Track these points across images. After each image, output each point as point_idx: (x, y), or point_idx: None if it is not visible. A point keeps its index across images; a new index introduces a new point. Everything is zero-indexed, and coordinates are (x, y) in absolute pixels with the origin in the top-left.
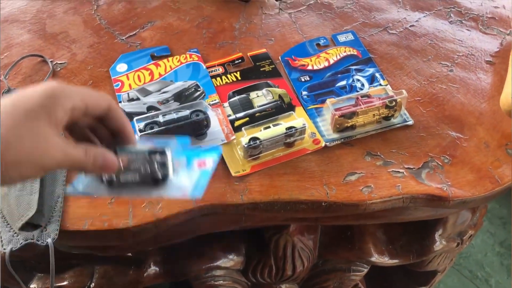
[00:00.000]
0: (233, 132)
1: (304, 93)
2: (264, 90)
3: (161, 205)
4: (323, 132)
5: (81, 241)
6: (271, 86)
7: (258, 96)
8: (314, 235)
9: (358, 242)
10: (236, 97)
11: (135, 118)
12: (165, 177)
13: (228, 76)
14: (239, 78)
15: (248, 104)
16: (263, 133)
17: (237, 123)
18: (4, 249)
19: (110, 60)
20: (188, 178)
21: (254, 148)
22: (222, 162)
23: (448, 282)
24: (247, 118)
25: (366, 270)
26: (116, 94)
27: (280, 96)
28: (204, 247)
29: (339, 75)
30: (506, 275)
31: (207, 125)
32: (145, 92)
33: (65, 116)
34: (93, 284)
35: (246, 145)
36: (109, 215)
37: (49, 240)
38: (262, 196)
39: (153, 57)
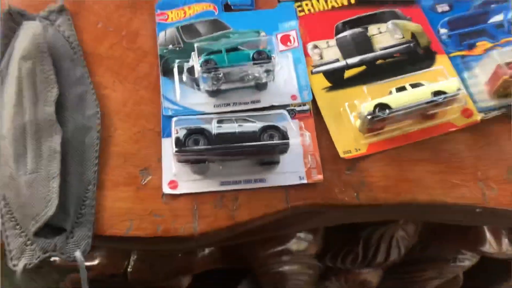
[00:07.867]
0: (321, 171)
1: (443, 31)
2: (390, 24)
3: (239, 202)
4: (474, 96)
5: (122, 245)
6: (400, 18)
7: (380, 32)
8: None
9: (473, 227)
10: (348, 32)
11: (173, 119)
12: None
13: None
14: (353, 1)
15: (366, 44)
16: (397, 97)
17: (348, 73)
18: (15, 265)
19: None
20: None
21: (380, 121)
22: (325, 134)
23: None
24: (364, 67)
25: (472, 263)
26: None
27: (413, 35)
28: None
29: (492, 5)
30: None
31: (283, 151)
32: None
33: None
34: (130, 268)
35: (369, 117)
36: (164, 214)
37: (78, 254)
38: (387, 195)
39: None
